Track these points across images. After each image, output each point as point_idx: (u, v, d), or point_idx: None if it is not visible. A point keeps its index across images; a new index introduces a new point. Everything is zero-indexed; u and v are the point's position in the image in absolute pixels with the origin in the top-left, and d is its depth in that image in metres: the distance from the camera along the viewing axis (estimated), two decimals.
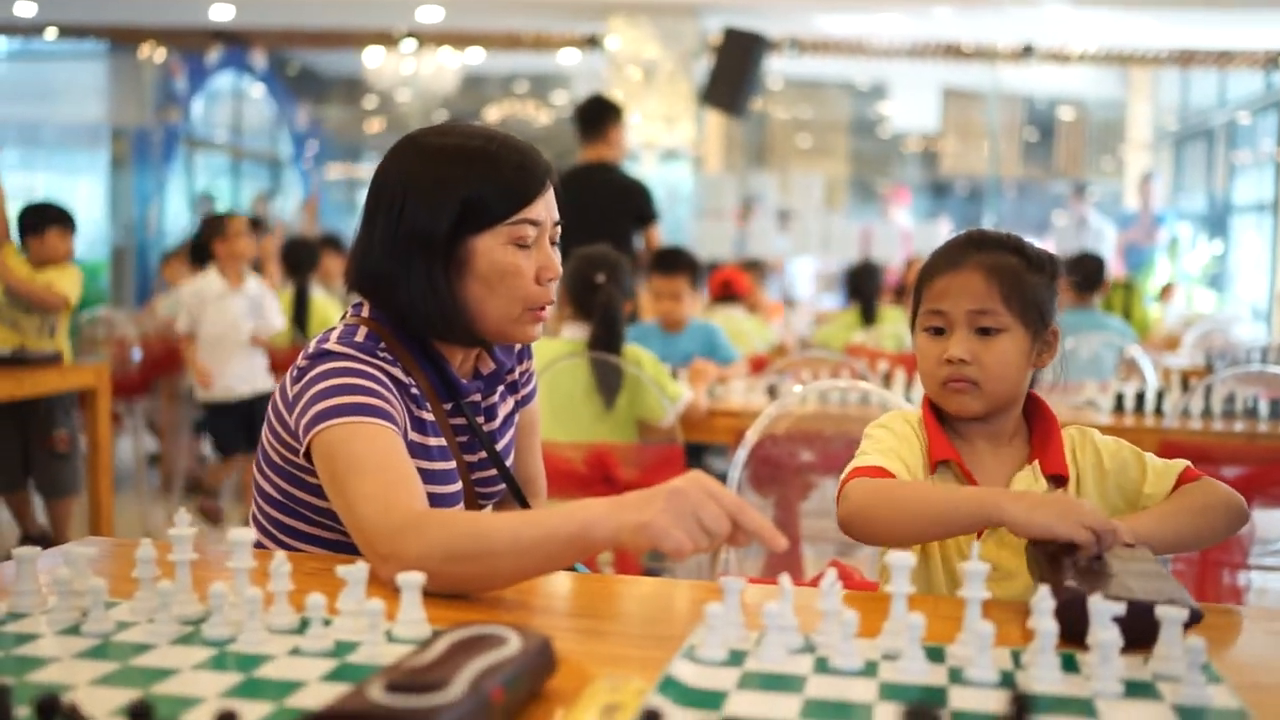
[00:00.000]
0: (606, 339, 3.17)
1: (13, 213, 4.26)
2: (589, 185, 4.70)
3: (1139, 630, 1.10)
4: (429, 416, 1.54)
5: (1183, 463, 1.52)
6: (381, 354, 1.49)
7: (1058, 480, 1.52)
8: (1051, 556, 1.26)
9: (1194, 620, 1.17)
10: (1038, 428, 1.57)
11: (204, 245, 5.17)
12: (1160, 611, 1.07)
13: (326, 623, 1.13)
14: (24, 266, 4.21)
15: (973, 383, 1.50)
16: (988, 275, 1.50)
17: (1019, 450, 1.56)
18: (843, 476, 1.50)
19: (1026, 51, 9.74)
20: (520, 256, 1.51)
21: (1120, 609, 1.05)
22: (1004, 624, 1.19)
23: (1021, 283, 1.50)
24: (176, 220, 11.48)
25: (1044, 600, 1.08)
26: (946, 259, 1.54)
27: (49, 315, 4.22)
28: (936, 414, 1.57)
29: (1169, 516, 1.44)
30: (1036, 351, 1.54)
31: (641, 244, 4.99)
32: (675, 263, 4.08)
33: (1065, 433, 1.57)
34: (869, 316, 5.96)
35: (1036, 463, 1.52)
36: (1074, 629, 1.10)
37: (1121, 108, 12.71)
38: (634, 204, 4.90)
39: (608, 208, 4.71)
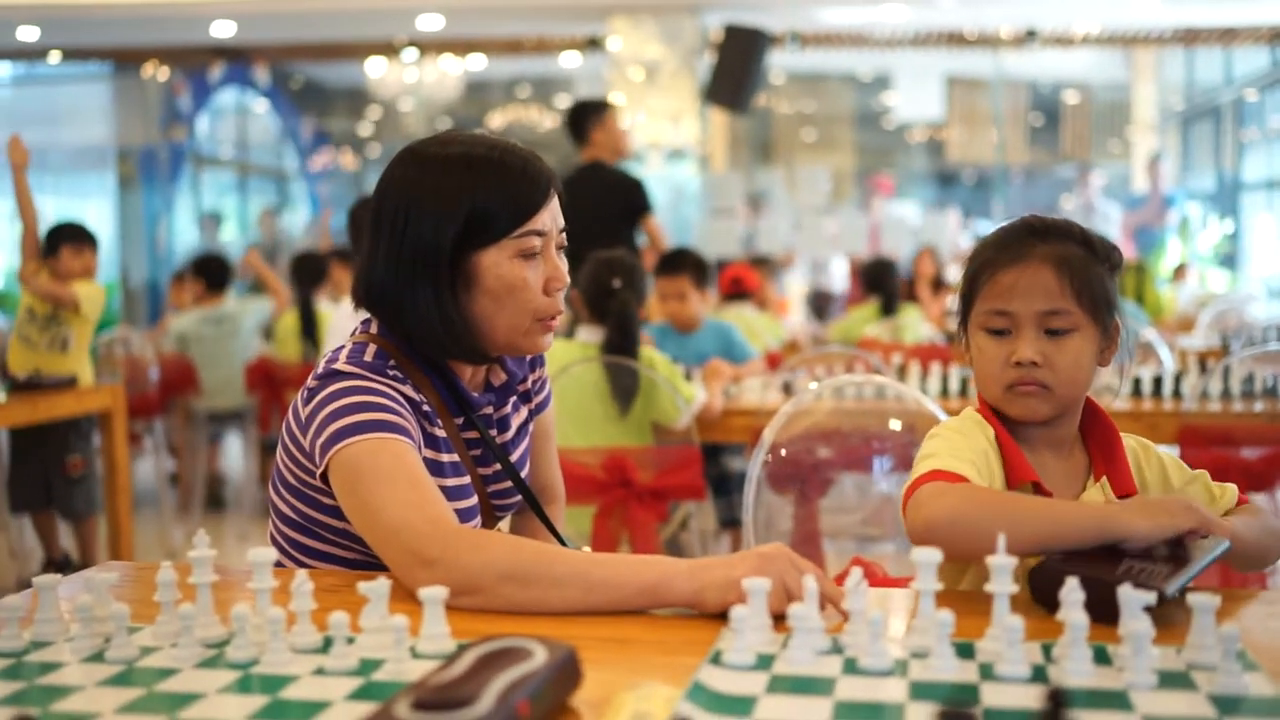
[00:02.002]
0: (622, 343, 3.17)
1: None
2: (581, 188, 4.69)
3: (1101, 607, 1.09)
4: (441, 432, 1.53)
5: (1234, 488, 1.46)
6: (392, 372, 1.48)
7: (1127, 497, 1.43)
8: (1091, 560, 1.23)
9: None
10: (1094, 435, 1.48)
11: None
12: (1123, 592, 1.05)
13: (350, 641, 1.12)
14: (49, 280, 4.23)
15: (1043, 385, 1.41)
16: (1057, 270, 1.39)
17: (1080, 460, 1.48)
18: (910, 480, 1.38)
19: (1029, 36, 9.70)
20: (527, 269, 1.49)
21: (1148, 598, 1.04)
22: (1033, 618, 1.18)
23: (1090, 276, 1.40)
24: (185, 239, 11.52)
25: (1073, 592, 1.06)
26: (1007, 252, 1.42)
27: (60, 327, 4.23)
28: (1005, 426, 1.46)
29: (1251, 526, 1.38)
30: (1102, 348, 1.45)
31: (644, 238, 4.97)
32: (678, 263, 4.08)
33: (1127, 444, 1.49)
34: (889, 309, 5.99)
35: (1105, 480, 1.45)
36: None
37: (1126, 89, 12.65)
38: (624, 199, 4.89)
39: (598, 207, 4.70)
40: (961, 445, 1.41)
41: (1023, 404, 1.42)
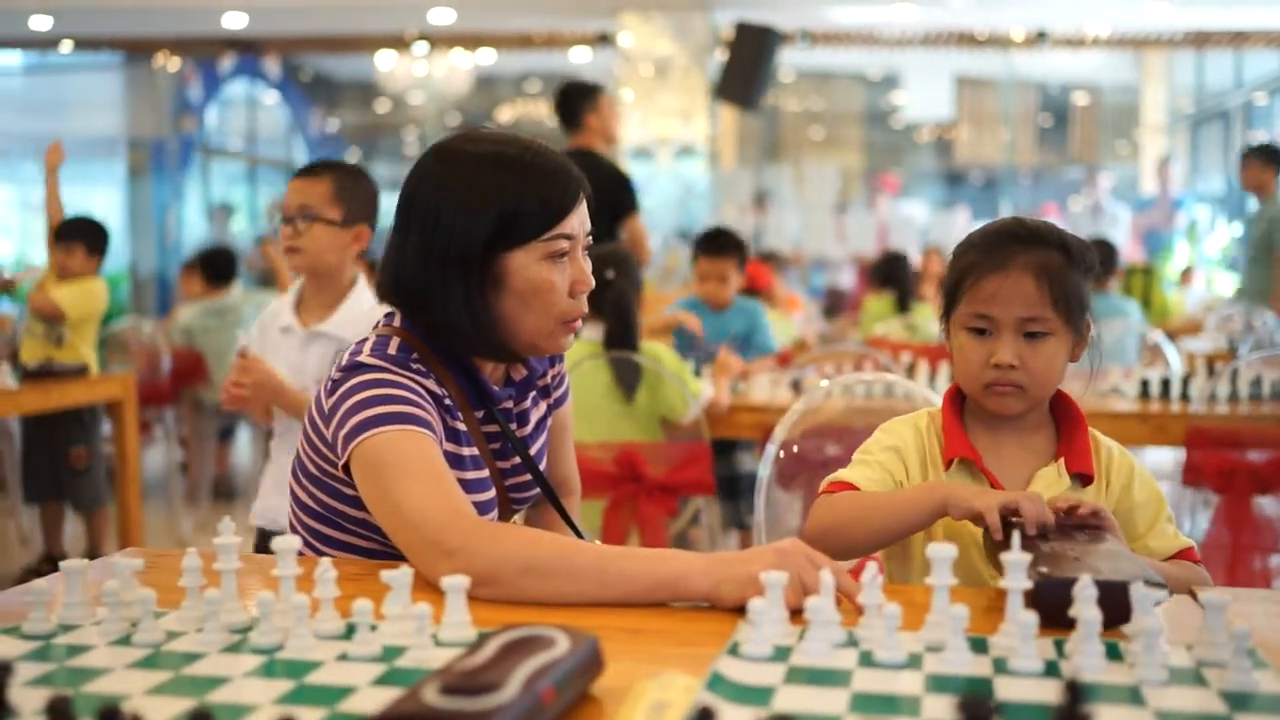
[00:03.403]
0: (621, 333, 3.18)
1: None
2: None
3: (1112, 609, 1.11)
4: (462, 426, 1.55)
5: (1190, 542, 1.52)
6: (415, 365, 1.50)
7: (1083, 479, 1.51)
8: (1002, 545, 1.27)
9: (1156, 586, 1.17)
10: (1065, 424, 1.56)
11: None
12: (1135, 591, 1.07)
13: (373, 628, 1.14)
14: (51, 282, 4.27)
15: (1018, 386, 1.49)
16: (1037, 278, 1.47)
17: (1045, 445, 1.56)
18: (826, 482, 1.55)
19: (1040, 37, 9.71)
20: (554, 271, 1.51)
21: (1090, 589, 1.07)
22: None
23: (1067, 283, 1.48)
24: (194, 229, 11.55)
25: (1087, 589, 1.08)
26: (991, 258, 1.50)
27: (57, 326, 4.27)
28: (959, 407, 1.58)
29: (1172, 573, 1.42)
30: (1074, 345, 1.54)
31: (623, 236, 4.80)
32: (723, 244, 4.09)
33: (1104, 443, 1.57)
34: (904, 304, 6.00)
35: (1062, 461, 1.52)
36: (1050, 612, 1.13)
37: (1136, 92, 12.66)
38: (614, 194, 4.64)
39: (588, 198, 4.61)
40: (874, 451, 1.56)
41: (999, 402, 1.52)
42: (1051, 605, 1.15)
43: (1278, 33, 9.68)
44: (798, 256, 9.54)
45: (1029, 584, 1.11)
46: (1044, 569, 1.20)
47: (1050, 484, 1.50)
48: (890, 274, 6.24)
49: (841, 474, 1.54)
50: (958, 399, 1.59)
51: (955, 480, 1.52)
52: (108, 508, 4.43)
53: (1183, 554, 1.51)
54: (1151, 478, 1.56)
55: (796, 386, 3.61)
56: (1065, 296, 1.48)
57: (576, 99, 4.70)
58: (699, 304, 4.16)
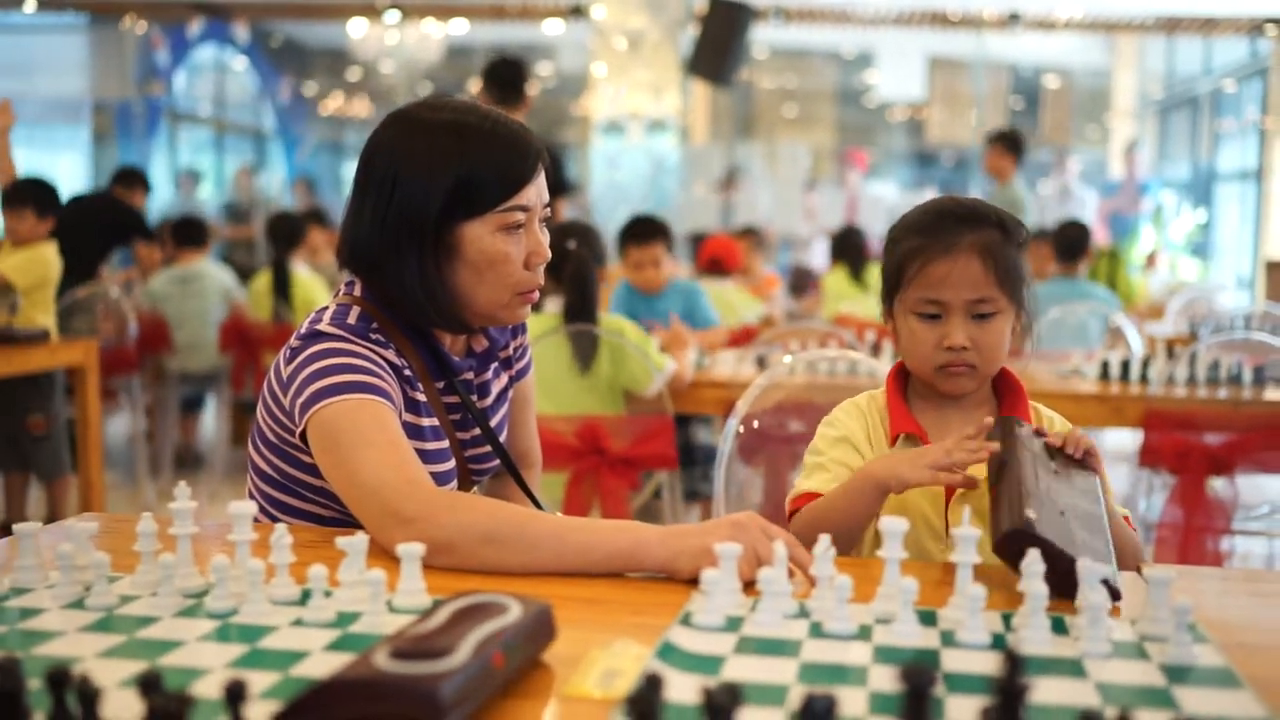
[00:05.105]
0: (580, 305, 3.18)
1: None
2: None
3: (1059, 578, 1.15)
4: (422, 396, 1.55)
5: (1125, 511, 1.54)
6: (374, 335, 1.50)
7: None
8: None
9: (1114, 595, 1.19)
10: (1007, 396, 1.60)
11: None
12: (1082, 566, 1.10)
13: (327, 594, 1.14)
14: (6, 250, 4.21)
15: (971, 366, 1.53)
16: (983, 260, 1.50)
17: (986, 413, 1.57)
18: (790, 499, 1.57)
19: (1012, 19, 9.74)
20: (510, 243, 1.50)
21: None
22: (995, 588, 1.21)
23: (1009, 261, 1.52)
24: (160, 195, 11.42)
25: (1034, 564, 1.10)
26: (937, 241, 1.52)
27: (10, 294, 4.21)
28: (904, 385, 1.61)
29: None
30: (1016, 319, 1.57)
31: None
32: (651, 231, 4.10)
33: (1045, 413, 1.61)
34: (857, 274, 6.09)
35: None
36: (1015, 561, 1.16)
37: (1106, 76, 12.73)
38: (553, 171, 4.60)
39: None
40: (823, 447, 1.59)
41: (952, 383, 1.55)
42: (1013, 553, 1.17)
43: (1247, 20, 9.75)
44: (768, 233, 9.55)
45: (978, 559, 1.12)
46: (1031, 514, 1.22)
47: None
48: (845, 245, 6.31)
49: (800, 486, 1.57)
50: (901, 377, 1.62)
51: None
52: (70, 476, 4.40)
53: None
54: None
55: (762, 363, 3.63)
56: (1008, 274, 1.51)
57: (518, 73, 4.57)
58: (632, 290, 4.17)
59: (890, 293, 1.59)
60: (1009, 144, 6.42)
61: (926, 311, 1.53)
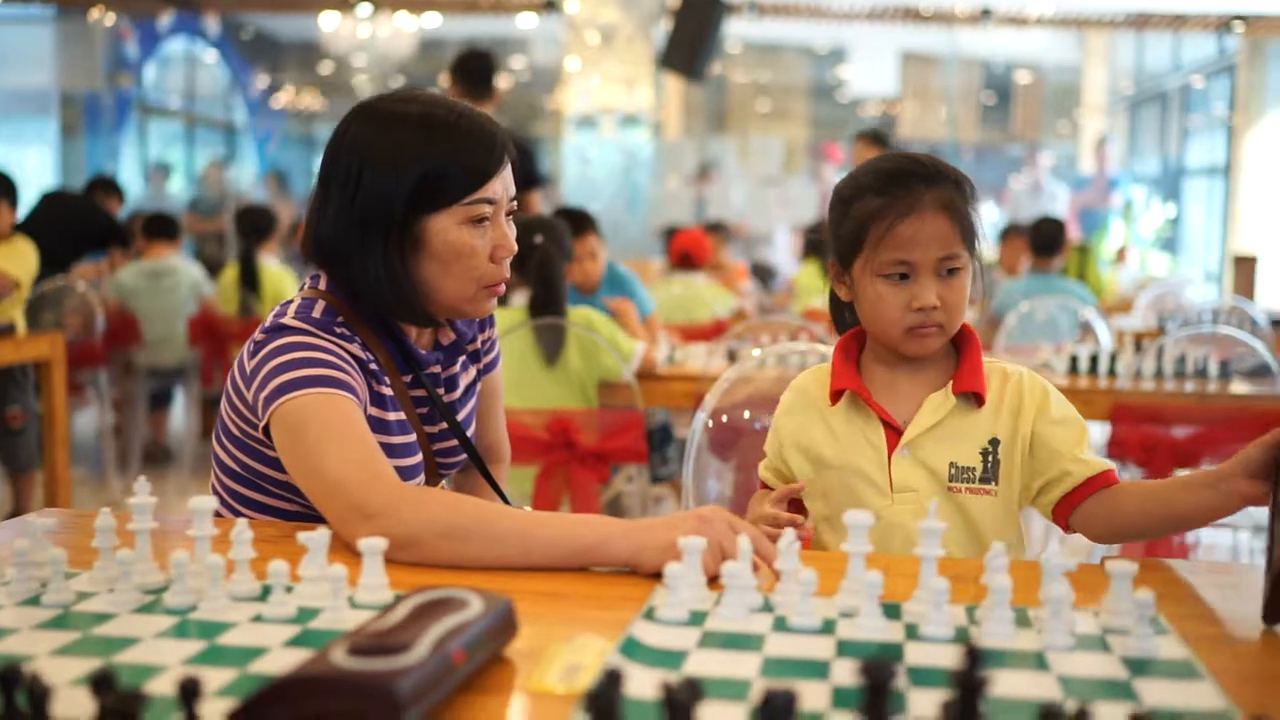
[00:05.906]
0: (545, 299, 3.17)
1: None
2: None
3: None
4: (388, 390, 1.54)
5: (1111, 465, 1.52)
6: (339, 329, 1.48)
7: (976, 399, 1.53)
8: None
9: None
10: (966, 353, 1.57)
11: None
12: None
13: (288, 589, 1.13)
14: None
15: (939, 325, 1.51)
16: (949, 217, 1.48)
17: (944, 372, 1.57)
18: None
19: (984, 15, 9.77)
20: (475, 236, 1.50)
21: None
22: (959, 581, 1.21)
23: (968, 216, 1.51)
24: (131, 189, 11.32)
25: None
26: (900, 201, 1.48)
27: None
28: (855, 350, 1.60)
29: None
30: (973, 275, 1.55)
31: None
32: (584, 223, 4.03)
33: (1014, 370, 1.58)
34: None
35: (950, 384, 1.54)
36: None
37: (1077, 72, 12.79)
38: (523, 164, 4.53)
39: None
40: (770, 436, 1.66)
41: (919, 344, 1.53)
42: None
43: (1215, 17, 9.81)
44: (741, 228, 9.55)
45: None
46: None
47: (937, 407, 1.53)
48: (817, 241, 6.29)
49: (760, 468, 1.67)
50: (853, 343, 1.61)
51: (840, 415, 1.57)
52: (36, 471, 4.35)
53: (1104, 475, 1.51)
54: (1064, 400, 1.57)
55: (732, 357, 3.63)
56: (970, 229, 1.51)
57: (487, 66, 4.51)
58: (572, 292, 4.10)
59: (846, 257, 1.55)
60: (875, 139, 5.89)
61: (895, 272, 1.50)
